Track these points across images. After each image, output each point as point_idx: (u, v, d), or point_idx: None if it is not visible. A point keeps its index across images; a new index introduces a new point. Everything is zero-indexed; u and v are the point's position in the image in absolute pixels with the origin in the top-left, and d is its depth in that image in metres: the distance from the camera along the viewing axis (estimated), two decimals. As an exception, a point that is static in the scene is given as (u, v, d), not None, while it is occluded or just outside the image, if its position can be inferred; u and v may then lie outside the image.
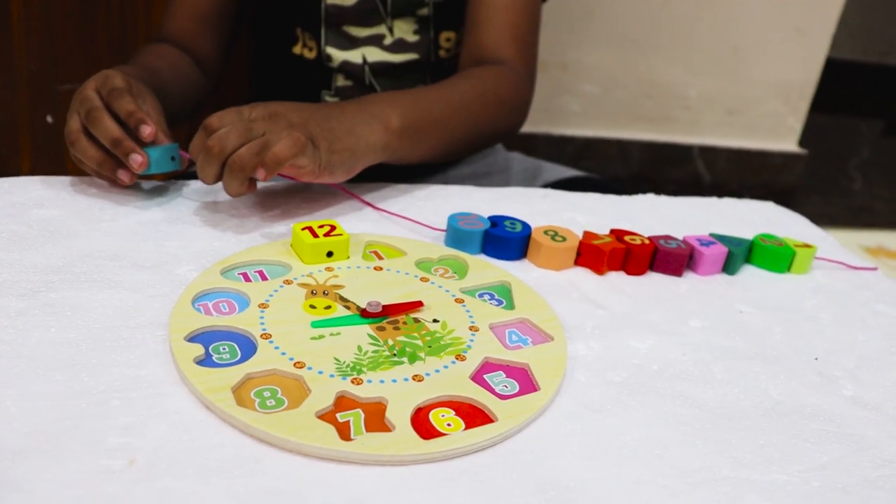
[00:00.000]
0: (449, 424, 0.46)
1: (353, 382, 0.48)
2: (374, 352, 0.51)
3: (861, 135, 3.33)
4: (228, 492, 0.39)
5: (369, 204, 0.75)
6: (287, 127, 0.65)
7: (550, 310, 0.60)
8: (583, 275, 0.68)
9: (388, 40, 0.92)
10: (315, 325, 0.53)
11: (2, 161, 1.24)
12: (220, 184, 0.76)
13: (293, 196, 0.75)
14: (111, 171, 0.68)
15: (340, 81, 0.95)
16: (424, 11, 0.92)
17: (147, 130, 0.66)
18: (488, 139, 0.91)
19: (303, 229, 0.62)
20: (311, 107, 0.70)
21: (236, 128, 0.63)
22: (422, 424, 0.46)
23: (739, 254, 0.72)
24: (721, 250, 0.71)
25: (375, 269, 0.62)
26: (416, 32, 0.93)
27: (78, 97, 0.68)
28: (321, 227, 0.63)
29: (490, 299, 0.61)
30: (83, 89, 0.68)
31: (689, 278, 0.70)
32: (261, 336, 0.51)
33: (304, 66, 0.95)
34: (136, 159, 0.65)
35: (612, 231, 0.72)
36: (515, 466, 0.43)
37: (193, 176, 0.86)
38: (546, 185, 0.94)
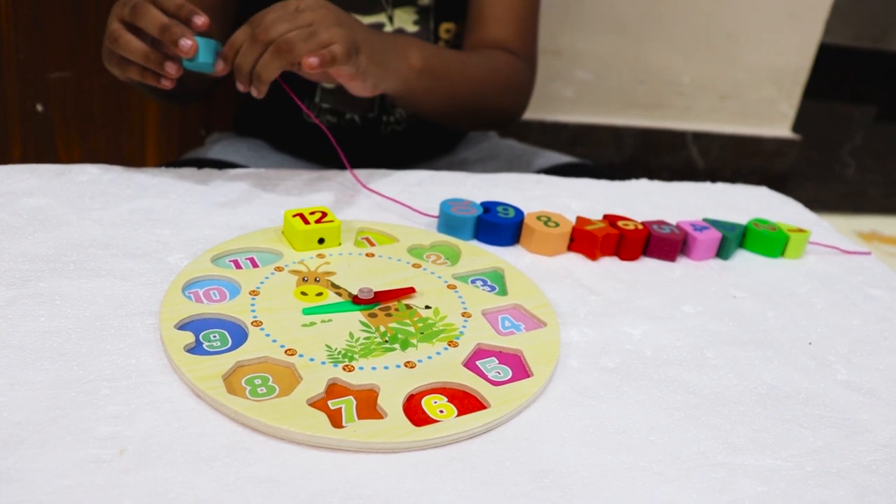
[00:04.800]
0: (441, 411, 0.46)
1: (344, 369, 0.47)
2: (365, 339, 0.51)
3: (854, 120, 3.33)
4: (219, 480, 0.39)
5: (363, 185, 0.74)
6: (336, 24, 0.66)
7: (543, 296, 0.59)
8: (576, 260, 0.67)
9: (387, 29, 0.92)
10: (306, 312, 0.53)
11: (-9, 150, 1.23)
12: (212, 179, 0.75)
13: (284, 182, 0.75)
14: (157, 65, 0.65)
15: None
16: (425, 1, 0.92)
17: (201, 20, 0.65)
18: (490, 116, 0.93)
19: (294, 216, 0.62)
20: (354, 17, 0.71)
21: (284, 16, 0.64)
22: (414, 411, 0.45)
23: (733, 239, 0.72)
24: (715, 235, 0.71)
25: (367, 255, 0.62)
26: (416, 23, 0.93)
27: (118, 3, 0.66)
28: (312, 213, 0.63)
29: (483, 285, 0.61)
30: None
31: (683, 263, 0.70)
32: (252, 323, 0.51)
33: None
34: (186, 43, 0.63)
35: (606, 216, 0.71)
36: (508, 453, 0.43)
37: (184, 164, 0.85)
38: (539, 172, 0.94)
